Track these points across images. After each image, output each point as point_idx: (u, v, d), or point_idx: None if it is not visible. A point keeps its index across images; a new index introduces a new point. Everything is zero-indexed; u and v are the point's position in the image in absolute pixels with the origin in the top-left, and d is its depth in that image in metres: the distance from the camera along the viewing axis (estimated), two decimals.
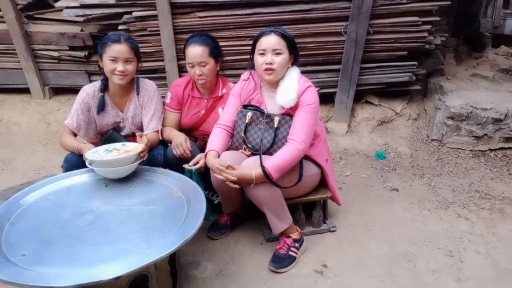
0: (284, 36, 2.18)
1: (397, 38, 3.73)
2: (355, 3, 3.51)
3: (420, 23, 3.67)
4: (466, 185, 3.20)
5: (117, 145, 2.31)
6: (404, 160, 3.59)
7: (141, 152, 2.22)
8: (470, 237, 2.57)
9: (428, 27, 3.72)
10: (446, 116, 3.70)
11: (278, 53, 2.17)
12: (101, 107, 2.45)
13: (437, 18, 3.75)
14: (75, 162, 2.30)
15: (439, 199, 3.01)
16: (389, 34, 3.72)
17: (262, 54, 2.19)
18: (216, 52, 2.47)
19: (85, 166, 2.22)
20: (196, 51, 2.41)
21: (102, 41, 2.37)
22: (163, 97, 2.64)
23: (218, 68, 2.56)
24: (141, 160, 2.22)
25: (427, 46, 3.85)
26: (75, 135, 2.43)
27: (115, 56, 2.31)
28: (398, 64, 3.87)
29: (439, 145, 3.77)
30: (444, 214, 2.82)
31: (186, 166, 2.33)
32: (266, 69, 2.19)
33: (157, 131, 2.57)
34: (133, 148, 2.24)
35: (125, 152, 2.21)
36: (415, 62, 3.89)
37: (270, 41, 2.17)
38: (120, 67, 2.32)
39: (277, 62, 2.17)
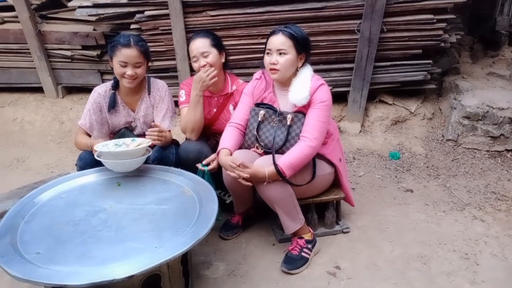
0: (292, 36, 2.15)
1: (412, 36, 3.68)
2: (368, 1, 3.47)
3: (435, 21, 3.61)
4: (482, 186, 3.14)
5: (127, 140, 2.32)
6: (419, 161, 3.53)
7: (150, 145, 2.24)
8: (486, 240, 2.52)
9: (443, 25, 3.66)
10: (462, 115, 3.64)
11: (282, 53, 2.16)
12: (112, 104, 2.45)
13: (452, 16, 3.69)
14: (89, 160, 2.31)
15: (455, 200, 2.96)
16: (403, 32, 3.67)
17: (269, 53, 2.20)
18: (217, 43, 2.47)
19: (98, 165, 2.22)
20: (197, 43, 2.43)
21: (112, 43, 2.36)
22: (174, 96, 2.63)
23: (223, 61, 2.53)
24: (149, 154, 2.23)
25: (442, 44, 3.79)
26: (89, 135, 2.45)
27: (124, 61, 2.31)
28: (412, 63, 3.82)
29: (455, 145, 3.71)
30: (460, 216, 2.77)
31: (199, 166, 2.32)
32: (271, 69, 2.20)
33: (169, 131, 2.57)
34: (142, 142, 2.25)
35: (137, 145, 2.23)
36: (430, 61, 3.83)
37: (276, 41, 2.17)
38: (129, 71, 2.32)
39: (280, 62, 2.16)
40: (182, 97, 2.59)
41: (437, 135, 3.88)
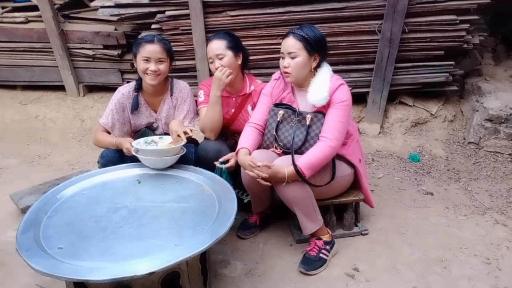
0: (302, 38, 2.13)
1: (434, 37, 3.63)
2: (390, 1, 3.43)
3: (458, 22, 3.55)
4: (504, 190, 3.08)
5: (155, 138, 2.39)
6: (439, 163, 3.48)
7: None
8: (508, 245, 2.47)
9: (466, 26, 3.59)
10: (484, 118, 3.57)
11: (293, 57, 2.15)
12: (135, 106, 2.48)
13: (476, 17, 3.62)
14: (111, 158, 2.34)
15: (476, 204, 2.90)
16: (425, 33, 3.62)
17: (282, 57, 2.21)
18: (233, 45, 2.45)
19: (120, 162, 2.26)
20: (213, 45, 2.44)
21: (137, 41, 2.41)
22: (194, 95, 2.64)
23: (240, 63, 2.52)
24: (183, 152, 2.29)
25: (465, 45, 3.72)
26: (108, 133, 2.48)
27: (148, 56, 2.34)
28: (434, 64, 3.76)
29: (476, 148, 3.64)
30: (481, 220, 2.72)
31: (217, 163, 2.33)
32: (284, 72, 2.21)
33: (190, 130, 2.59)
34: (173, 140, 2.31)
35: (164, 144, 2.33)
36: (452, 62, 3.77)
37: (286, 44, 2.17)
38: (152, 66, 2.35)
39: (291, 65, 2.16)
40: (201, 97, 2.60)
41: (458, 138, 3.82)
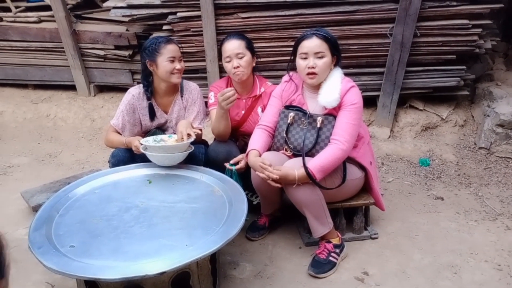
0: (326, 38, 2.15)
1: (445, 41, 3.61)
2: (402, 5, 3.42)
3: (470, 26, 3.53)
4: None
5: (164, 136, 2.39)
6: (450, 168, 3.45)
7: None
8: None
9: (478, 30, 3.57)
10: (496, 123, 3.54)
11: (320, 57, 2.15)
12: (152, 116, 2.52)
13: (488, 22, 3.60)
14: (122, 157, 2.36)
15: (487, 210, 2.88)
16: (437, 37, 3.60)
17: (304, 58, 2.18)
18: (251, 47, 2.49)
19: (130, 162, 2.26)
20: (233, 44, 2.43)
21: (152, 46, 2.37)
22: (204, 97, 2.65)
23: (254, 65, 2.54)
24: (191, 150, 2.29)
25: (477, 50, 3.69)
26: (119, 134, 2.49)
27: (173, 56, 2.38)
28: (445, 68, 3.74)
29: (487, 154, 3.61)
30: (492, 226, 2.69)
31: (227, 165, 2.34)
32: (309, 73, 2.17)
33: (200, 129, 2.60)
34: (178, 140, 2.31)
35: (173, 142, 2.32)
36: (464, 67, 3.75)
37: (312, 44, 2.15)
38: (178, 65, 2.40)
39: (319, 65, 2.15)
40: (211, 99, 2.60)
41: (469, 143, 3.79)
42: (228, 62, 2.46)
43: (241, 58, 2.43)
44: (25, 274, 2.20)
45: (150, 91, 2.50)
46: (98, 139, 3.97)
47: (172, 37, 2.49)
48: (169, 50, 2.36)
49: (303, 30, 2.47)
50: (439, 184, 3.22)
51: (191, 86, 2.60)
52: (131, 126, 2.49)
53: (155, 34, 3.78)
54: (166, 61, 2.37)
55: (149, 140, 2.31)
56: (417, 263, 2.34)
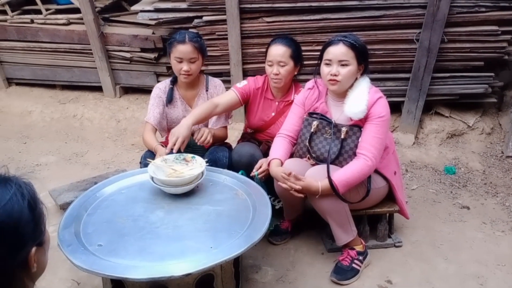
0: (353, 46, 2.07)
1: (473, 47, 3.54)
2: (429, 10, 3.38)
3: (499, 32, 3.46)
4: None
5: (187, 156, 2.25)
6: (476, 177, 3.38)
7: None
8: None
9: (508, 37, 3.50)
10: None
11: (344, 65, 2.08)
12: (170, 99, 2.55)
13: None
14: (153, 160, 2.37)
15: None
16: (464, 43, 3.54)
17: (328, 64, 2.12)
18: (296, 55, 2.44)
19: None
20: (278, 50, 2.40)
21: (169, 40, 2.46)
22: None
23: (296, 73, 2.53)
24: (199, 181, 2.11)
25: (506, 57, 3.61)
26: (155, 130, 2.53)
27: (180, 57, 2.39)
28: (473, 75, 3.67)
29: None
30: None
31: (253, 172, 2.33)
32: (330, 80, 2.11)
33: (225, 127, 2.63)
34: (198, 166, 2.17)
35: (190, 169, 2.15)
36: (492, 74, 3.67)
37: (337, 51, 2.08)
38: (185, 67, 2.40)
39: (342, 74, 2.08)
40: (240, 84, 2.60)
41: (496, 151, 3.70)
42: (270, 66, 2.46)
43: (282, 66, 2.41)
44: (52, 271, 2.25)
45: (175, 77, 2.57)
46: (123, 140, 4.03)
47: (193, 34, 2.47)
48: (178, 50, 2.38)
49: (328, 34, 2.47)
50: (465, 193, 3.16)
51: (216, 82, 2.65)
52: (161, 119, 2.55)
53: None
54: (174, 60, 2.42)
55: (170, 159, 2.21)
56: (442, 272, 2.30)
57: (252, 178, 2.33)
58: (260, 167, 2.34)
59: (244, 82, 2.61)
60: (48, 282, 2.19)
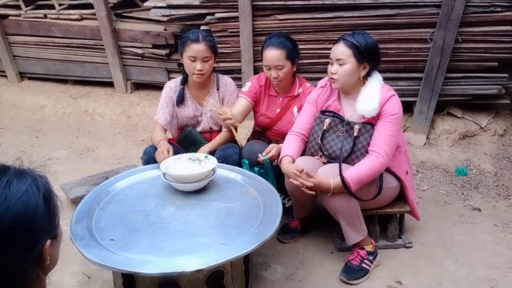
0: (352, 45, 2.06)
1: (488, 48, 3.50)
2: (444, 9, 3.34)
3: None
4: None
5: (200, 155, 2.28)
6: (488, 179, 3.35)
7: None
8: None
9: None
10: None
11: (341, 63, 2.09)
12: (181, 99, 2.55)
13: None
14: (153, 155, 2.38)
15: None
16: (479, 43, 3.50)
17: (331, 62, 2.16)
18: (293, 55, 2.45)
19: None
20: (273, 55, 2.40)
21: (183, 39, 2.46)
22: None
23: (294, 70, 2.54)
24: (211, 177, 2.13)
25: None
26: (165, 130, 2.54)
27: (194, 56, 2.39)
28: (486, 76, 3.62)
29: None
30: None
31: (261, 156, 2.34)
32: (330, 78, 2.16)
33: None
34: (210, 164, 2.20)
35: (206, 164, 2.20)
36: (506, 75, 3.62)
37: (336, 50, 2.11)
38: (198, 66, 2.40)
39: (339, 72, 2.10)
40: (245, 88, 2.63)
41: (509, 153, 3.66)
42: (268, 70, 2.47)
43: (280, 69, 2.42)
44: (63, 264, 2.26)
45: (185, 77, 2.57)
46: (133, 136, 4.05)
47: (206, 33, 2.47)
48: (192, 50, 2.37)
49: (341, 33, 2.45)
50: (477, 195, 3.13)
51: (226, 80, 2.65)
52: (171, 119, 2.55)
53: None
54: (187, 59, 2.41)
55: (183, 158, 2.24)
56: (452, 275, 2.28)
57: (258, 164, 2.36)
58: (269, 152, 2.35)
59: (248, 84, 2.63)
60: (59, 275, 2.21)
